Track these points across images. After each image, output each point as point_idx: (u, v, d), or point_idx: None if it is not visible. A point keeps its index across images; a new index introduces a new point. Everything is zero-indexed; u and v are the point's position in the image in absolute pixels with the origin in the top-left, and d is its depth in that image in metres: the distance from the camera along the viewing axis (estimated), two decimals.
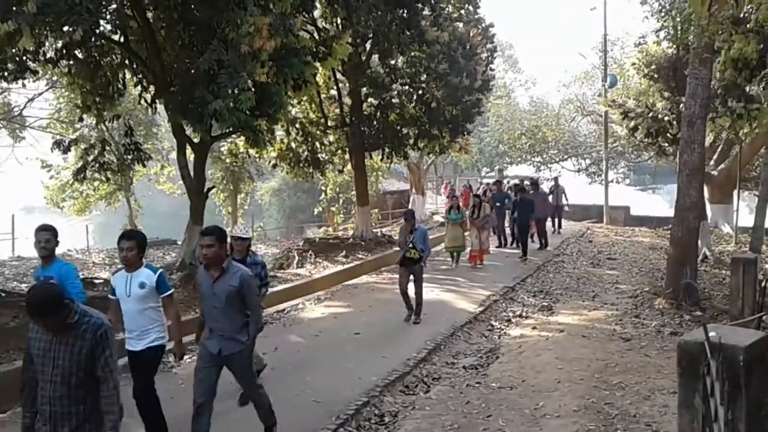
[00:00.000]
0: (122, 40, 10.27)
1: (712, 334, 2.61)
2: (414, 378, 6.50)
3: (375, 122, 16.40)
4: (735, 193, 17.20)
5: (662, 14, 13.64)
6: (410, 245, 8.43)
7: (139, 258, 4.65)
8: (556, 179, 18.77)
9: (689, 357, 2.71)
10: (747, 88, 12.15)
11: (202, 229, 4.55)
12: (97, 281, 10.77)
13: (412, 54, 15.39)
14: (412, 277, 8.62)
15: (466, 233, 13.17)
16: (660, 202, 36.11)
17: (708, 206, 16.64)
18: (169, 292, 4.73)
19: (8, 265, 14.62)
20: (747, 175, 18.76)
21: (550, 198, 17.21)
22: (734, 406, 2.55)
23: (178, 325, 4.79)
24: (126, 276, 4.63)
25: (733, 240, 16.26)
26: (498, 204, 15.15)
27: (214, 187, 19.52)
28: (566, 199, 17.55)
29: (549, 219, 16.89)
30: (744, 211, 17.78)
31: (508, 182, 22.72)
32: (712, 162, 17.88)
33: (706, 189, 15.45)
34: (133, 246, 4.61)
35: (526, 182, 18.33)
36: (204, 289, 4.54)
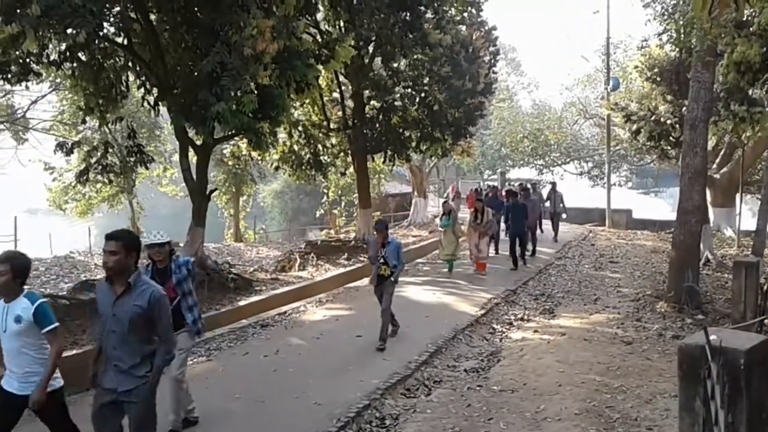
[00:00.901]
0: (125, 42, 10.30)
1: (713, 337, 2.61)
2: (415, 381, 6.49)
3: (377, 125, 16.43)
4: (737, 196, 17.16)
5: (665, 17, 13.61)
6: (381, 260, 7.58)
7: (16, 285, 3.76)
8: (553, 184, 18.20)
9: (690, 360, 2.70)
10: (750, 92, 12.12)
11: (109, 233, 3.61)
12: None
13: (415, 57, 15.42)
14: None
15: (461, 238, 12.68)
16: (662, 206, 36.12)
17: (710, 209, 16.64)
18: (51, 327, 3.78)
19: None
20: (749, 179, 18.73)
21: (548, 204, 16.98)
22: (735, 410, 2.54)
23: (52, 367, 3.80)
24: (3, 307, 3.77)
25: (736, 243, 16.22)
26: (493, 211, 14.09)
27: (216, 189, 19.57)
28: (563, 206, 16.84)
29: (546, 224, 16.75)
30: (746, 214, 17.70)
31: (511, 185, 22.47)
32: (714, 165, 17.87)
33: (708, 192, 15.45)
34: (6, 270, 3.69)
35: (528, 185, 18.01)
36: (102, 308, 3.64)
